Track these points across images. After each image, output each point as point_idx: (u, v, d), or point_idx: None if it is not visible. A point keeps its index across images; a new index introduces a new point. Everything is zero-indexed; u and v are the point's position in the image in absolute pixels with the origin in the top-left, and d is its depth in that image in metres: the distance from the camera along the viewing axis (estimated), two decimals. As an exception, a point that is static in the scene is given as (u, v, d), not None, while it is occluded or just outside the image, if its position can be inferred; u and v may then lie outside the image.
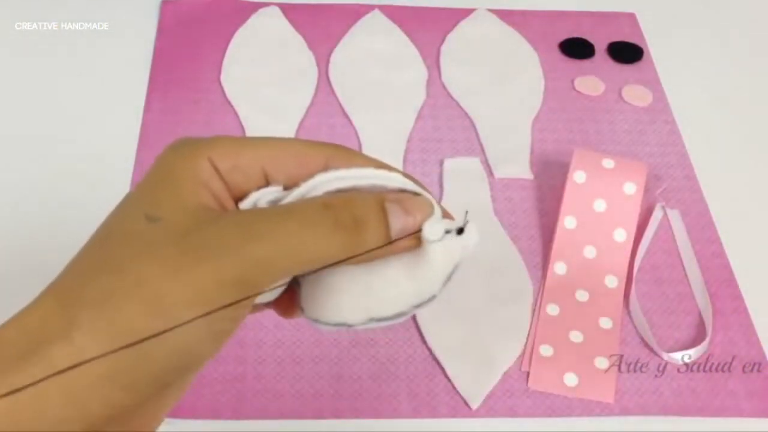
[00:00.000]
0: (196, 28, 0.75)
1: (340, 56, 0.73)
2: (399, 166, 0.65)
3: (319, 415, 0.51)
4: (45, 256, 0.58)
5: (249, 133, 0.66)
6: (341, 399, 0.52)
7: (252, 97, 0.69)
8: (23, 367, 0.23)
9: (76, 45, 0.73)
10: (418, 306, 0.30)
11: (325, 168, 0.29)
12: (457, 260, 0.30)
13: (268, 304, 0.33)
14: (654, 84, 0.73)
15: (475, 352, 0.54)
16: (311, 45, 0.74)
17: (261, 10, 0.77)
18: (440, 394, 0.52)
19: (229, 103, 0.69)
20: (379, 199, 0.28)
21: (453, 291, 0.58)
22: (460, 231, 0.29)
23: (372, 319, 0.30)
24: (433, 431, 0.51)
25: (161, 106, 0.68)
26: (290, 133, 0.67)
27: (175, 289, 0.24)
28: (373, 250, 0.28)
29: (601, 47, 0.76)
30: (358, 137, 0.67)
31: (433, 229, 0.29)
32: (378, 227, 0.28)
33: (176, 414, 0.50)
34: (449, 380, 0.53)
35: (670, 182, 0.65)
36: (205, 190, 0.28)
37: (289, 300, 0.31)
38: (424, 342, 0.54)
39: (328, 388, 0.52)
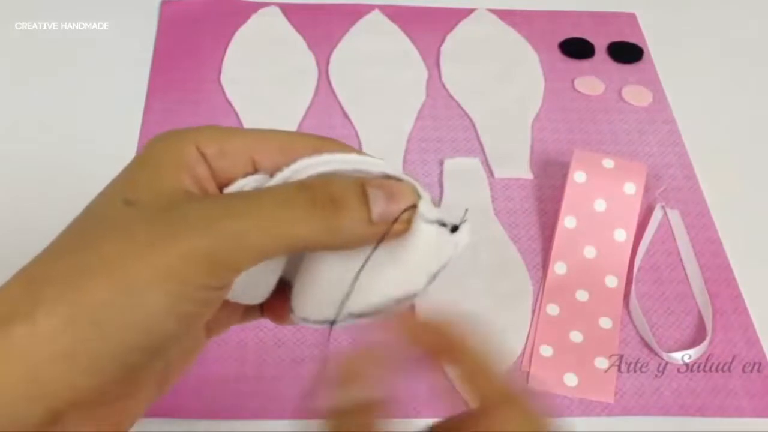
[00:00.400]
0: (196, 28, 0.75)
1: (340, 56, 0.73)
2: (399, 166, 0.65)
3: (318, 415, 0.51)
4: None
5: (249, 133, 0.66)
6: (341, 399, 0.52)
7: (252, 97, 0.69)
8: None
9: (76, 45, 0.73)
10: (399, 302, 0.29)
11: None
12: (446, 259, 0.29)
13: (261, 311, 0.32)
14: (654, 84, 0.73)
15: (475, 352, 0.54)
16: (311, 45, 0.74)
17: (261, 10, 0.77)
18: (440, 394, 0.52)
19: (229, 103, 0.69)
20: (360, 182, 0.27)
21: (453, 290, 0.58)
22: (455, 229, 0.28)
23: (351, 314, 0.29)
24: (433, 431, 0.51)
25: (161, 106, 0.68)
26: (290, 133, 0.67)
27: (142, 265, 0.24)
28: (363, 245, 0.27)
29: (601, 47, 0.76)
30: (358, 137, 0.67)
31: (427, 208, 0.28)
32: (358, 209, 0.27)
33: (176, 414, 0.50)
34: (449, 380, 0.53)
35: (670, 182, 0.65)
36: (186, 174, 0.27)
37: (281, 305, 0.31)
38: (424, 342, 0.54)
39: (328, 388, 0.52)
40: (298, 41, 0.74)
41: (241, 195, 0.27)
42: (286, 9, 0.77)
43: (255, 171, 0.29)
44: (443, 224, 0.28)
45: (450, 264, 0.29)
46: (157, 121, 0.67)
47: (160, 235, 0.24)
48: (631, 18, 0.79)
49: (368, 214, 0.27)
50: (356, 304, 0.28)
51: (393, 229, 0.27)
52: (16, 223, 0.59)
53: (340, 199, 0.27)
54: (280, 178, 0.28)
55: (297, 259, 0.30)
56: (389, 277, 0.28)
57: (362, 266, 0.28)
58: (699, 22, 0.80)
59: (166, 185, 0.27)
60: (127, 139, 0.65)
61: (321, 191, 0.26)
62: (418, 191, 0.28)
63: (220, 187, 0.29)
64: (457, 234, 0.28)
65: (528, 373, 0.53)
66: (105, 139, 0.65)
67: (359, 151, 0.30)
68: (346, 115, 0.69)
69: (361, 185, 0.27)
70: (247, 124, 0.67)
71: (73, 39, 0.73)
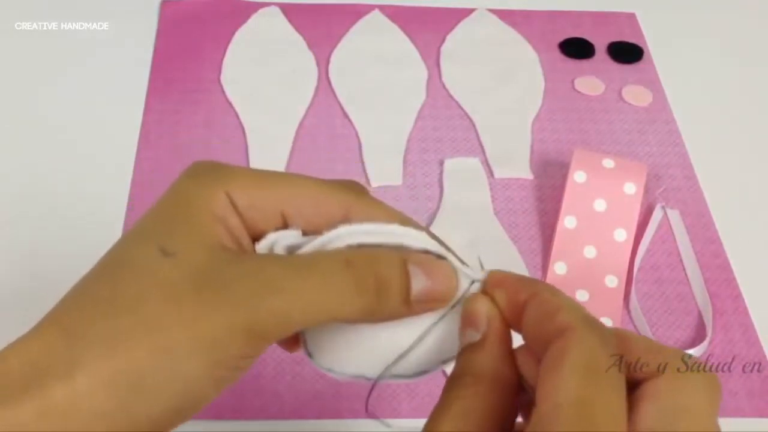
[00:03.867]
0: (196, 28, 0.75)
1: (340, 56, 0.73)
2: (399, 166, 0.65)
3: (319, 415, 0.51)
4: (44, 255, 0.58)
5: (249, 133, 0.66)
6: (341, 399, 0.52)
7: (252, 97, 0.70)
8: (24, 400, 0.23)
9: (76, 45, 0.73)
10: (445, 362, 0.29)
11: (345, 217, 0.28)
12: None
13: None
14: (654, 84, 0.73)
15: (475, 352, 0.53)
16: (311, 45, 0.74)
17: (261, 10, 0.77)
18: (440, 394, 0.52)
19: (229, 103, 0.69)
20: (402, 260, 0.27)
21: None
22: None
23: (394, 376, 0.29)
24: (433, 431, 0.51)
25: (161, 106, 0.68)
26: (290, 133, 0.67)
27: (186, 334, 0.24)
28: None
29: (601, 47, 0.76)
30: (358, 137, 0.67)
31: (471, 279, 0.29)
32: (399, 290, 0.27)
33: (176, 414, 0.50)
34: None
35: (670, 182, 0.65)
36: (221, 226, 0.27)
37: (292, 337, 0.31)
38: (424, 342, 0.54)
39: (328, 388, 0.52)
40: (298, 41, 0.74)
41: (286, 267, 0.27)
42: (286, 9, 0.77)
43: (285, 224, 0.29)
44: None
45: None
46: (157, 121, 0.67)
47: (206, 304, 0.25)
48: (631, 18, 0.79)
49: (408, 295, 0.27)
50: (400, 368, 0.29)
51: (428, 306, 0.28)
52: (15, 222, 0.59)
53: (384, 280, 0.27)
54: (317, 243, 0.28)
55: None
56: (434, 346, 0.29)
57: (412, 345, 0.29)
58: (699, 22, 0.80)
59: (205, 239, 0.27)
60: (127, 140, 0.65)
61: (366, 270, 0.27)
62: (457, 269, 0.28)
63: (252, 239, 0.28)
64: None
65: (528, 373, 0.53)
66: (105, 139, 0.65)
67: (398, 213, 0.29)
68: (346, 115, 0.69)
69: (404, 264, 0.27)
70: (246, 124, 0.67)
71: (73, 39, 0.73)
